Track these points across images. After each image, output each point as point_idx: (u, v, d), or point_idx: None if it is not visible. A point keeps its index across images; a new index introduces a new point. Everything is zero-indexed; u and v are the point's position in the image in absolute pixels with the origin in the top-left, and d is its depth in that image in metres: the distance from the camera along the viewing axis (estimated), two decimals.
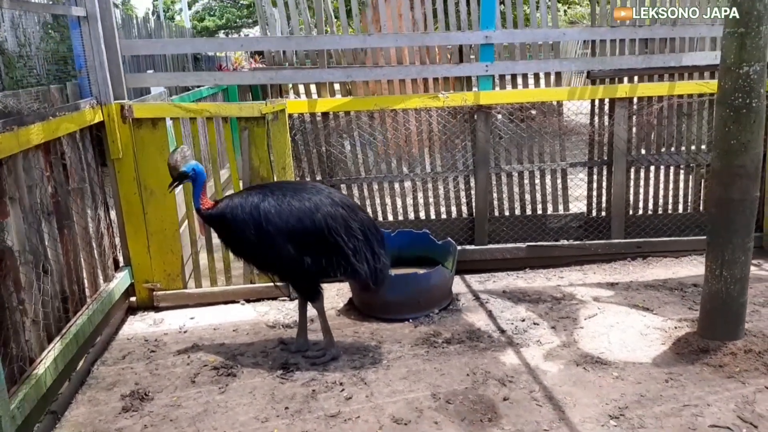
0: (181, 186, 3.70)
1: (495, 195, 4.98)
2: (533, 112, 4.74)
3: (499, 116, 4.73)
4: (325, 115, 4.63)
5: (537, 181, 5.00)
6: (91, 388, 3.47)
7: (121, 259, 4.40)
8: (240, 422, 3.08)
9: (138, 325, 4.25)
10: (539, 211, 5.06)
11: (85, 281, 3.77)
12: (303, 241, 3.39)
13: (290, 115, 4.46)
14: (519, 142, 4.86)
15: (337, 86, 4.87)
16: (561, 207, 5.07)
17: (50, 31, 5.92)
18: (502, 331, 3.95)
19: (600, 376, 3.40)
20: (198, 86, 7.84)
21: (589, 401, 3.16)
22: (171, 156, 3.45)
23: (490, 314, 4.21)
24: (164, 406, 3.24)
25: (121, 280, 4.20)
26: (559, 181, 5.00)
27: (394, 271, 4.37)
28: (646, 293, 4.47)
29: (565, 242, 4.99)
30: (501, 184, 4.97)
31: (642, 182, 5.08)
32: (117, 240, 4.35)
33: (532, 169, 4.94)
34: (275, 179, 4.40)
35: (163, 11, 26.94)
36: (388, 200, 4.99)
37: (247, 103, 4.32)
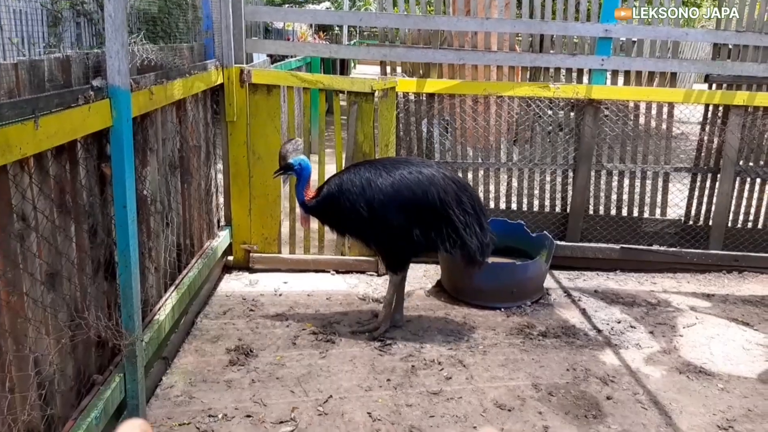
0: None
1: (592, 192, 4.88)
2: (643, 111, 4.61)
3: (607, 112, 4.62)
4: (430, 96, 4.61)
5: (637, 182, 4.88)
6: (196, 338, 3.59)
7: (223, 218, 4.52)
8: (344, 388, 3.14)
9: (234, 284, 4.37)
10: (635, 214, 4.94)
11: (196, 236, 3.90)
12: (414, 212, 3.41)
13: (396, 94, 4.47)
14: (624, 141, 4.75)
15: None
16: (658, 211, 4.94)
17: None
18: (599, 331, 3.90)
19: (704, 386, 3.33)
20: (284, 57, 7.97)
21: (695, 410, 3.10)
22: (284, 145, 3.53)
23: (584, 312, 4.15)
24: (269, 364, 3.34)
25: (222, 239, 4.32)
26: (660, 184, 4.87)
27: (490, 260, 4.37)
28: (744, 308, 4.34)
29: (660, 248, 4.87)
30: (600, 182, 4.87)
31: (746, 194, 4.89)
32: (221, 200, 4.47)
33: (635, 170, 4.82)
34: (377, 155, 4.43)
35: None
36: (481, 187, 4.96)
37: (358, 79, 4.35)
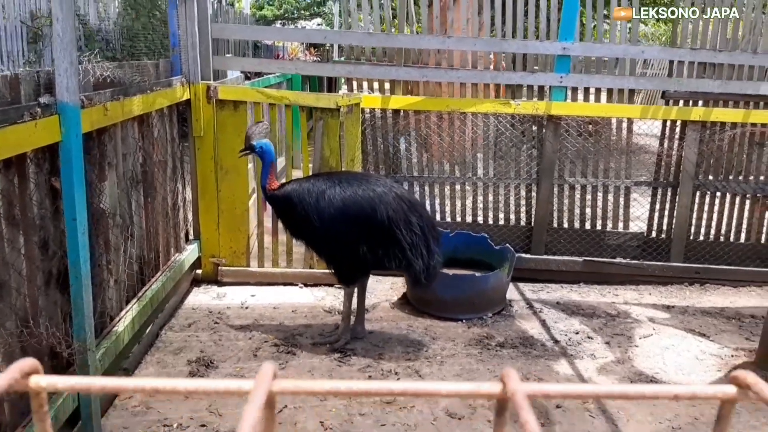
0: (252, 165, 3.86)
1: (555, 206, 4.99)
2: (603, 126, 4.74)
3: (568, 128, 4.75)
4: (395, 112, 4.73)
5: (599, 196, 5.00)
6: (159, 350, 3.64)
7: (191, 232, 4.58)
8: (300, 398, 3.20)
9: (202, 297, 4.43)
10: (598, 227, 5.05)
11: (161, 249, 3.96)
12: (363, 229, 3.49)
13: (362, 110, 4.57)
14: (585, 156, 4.87)
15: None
16: (621, 225, 5.05)
17: (151, 8, 6.14)
18: (556, 341, 3.98)
19: None
20: (267, 74, 8.06)
21: (642, 418, 3.18)
22: (250, 127, 3.64)
23: (543, 323, 4.24)
24: (228, 375, 3.39)
25: (190, 253, 4.38)
26: (621, 198, 4.99)
27: (450, 271, 4.46)
28: (702, 319, 4.44)
29: (623, 260, 4.97)
30: (563, 196, 4.98)
31: (706, 207, 5.02)
32: (189, 214, 4.54)
33: (596, 184, 4.94)
34: (343, 169, 4.52)
35: None
36: (448, 201, 5.06)
37: (324, 95, 4.45)
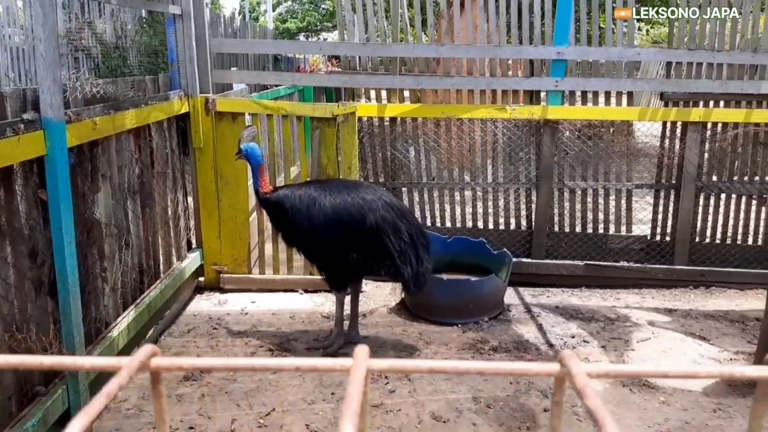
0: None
1: (556, 210, 4.98)
2: (602, 129, 4.72)
3: (566, 132, 4.75)
4: (392, 120, 4.79)
5: (600, 200, 4.97)
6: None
7: (193, 241, 4.71)
8: (289, 401, 3.27)
9: (204, 304, 4.54)
10: (600, 231, 5.02)
11: (161, 258, 4.08)
12: (352, 236, 3.54)
13: (359, 118, 4.65)
14: (585, 159, 4.85)
15: (407, 93, 5.02)
16: (623, 228, 5.01)
17: (145, 25, 6.33)
18: (551, 345, 3.97)
19: (646, 399, 3.37)
20: (276, 86, 8.21)
21: (631, 422, 3.15)
22: (243, 130, 3.74)
23: (540, 327, 4.23)
24: (221, 379, 3.48)
25: (192, 261, 4.50)
26: (623, 201, 4.95)
27: (446, 276, 4.49)
28: (704, 323, 4.37)
29: (625, 264, 4.93)
30: (563, 200, 4.97)
31: (711, 209, 4.95)
32: (191, 223, 4.66)
33: (596, 188, 4.91)
34: (338, 177, 4.60)
35: (249, 12, 28.06)
36: (447, 207, 5.09)
37: (320, 105, 4.54)
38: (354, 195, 3.58)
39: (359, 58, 4.76)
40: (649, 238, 5.06)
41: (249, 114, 4.56)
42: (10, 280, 2.42)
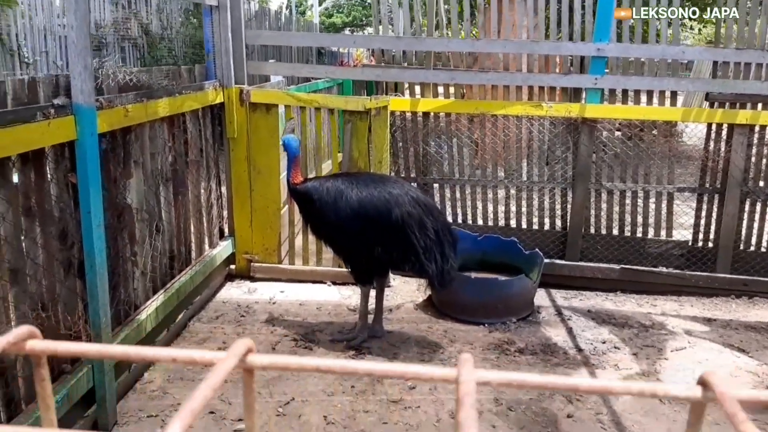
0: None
1: (592, 212, 4.84)
2: (643, 130, 4.56)
3: (605, 131, 4.60)
4: (425, 114, 4.74)
5: (639, 202, 4.80)
6: (185, 340, 3.83)
7: (226, 229, 4.78)
8: (308, 392, 3.28)
9: (234, 291, 4.60)
10: (638, 234, 4.86)
11: (192, 244, 4.15)
12: (377, 230, 3.53)
13: (392, 113, 4.62)
14: (624, 160, 4.70)
15: (441, 89, 4.95)
16: (663, 232, 4.84)
17: (190, 17, 6.45)
18: (579, 350, 3.87)
19: (676, 410, 3.25)
20: (316, 79, 8.25)
21: None
22: (287, 122, 3.79)
23: (569, 331, 4.13)
24: None
25: (224, 248, 4.57)
26: (663, 204, 4.78)
27: (475, 275, 4.42)
28: (745, 334, 4.18)
29: (664, 270, 4.76)
30: (600, 201, 4.83)
31: (757, 216, 4.72)
32: (224, 212, 4.73)
33: (636, 189, 4.75)
34: (369, 171, 4.58)
35: (296, 6, 28.34)
36: (479, 204, 5.01)
37: (352, 98, 4.54)
38: (381, 189, 3.56)
39: (402, 52, 4.71)
40: (690, 243, 4.87)
41: (283, 106, 4.59)
42: (39, 260, 2.50)
